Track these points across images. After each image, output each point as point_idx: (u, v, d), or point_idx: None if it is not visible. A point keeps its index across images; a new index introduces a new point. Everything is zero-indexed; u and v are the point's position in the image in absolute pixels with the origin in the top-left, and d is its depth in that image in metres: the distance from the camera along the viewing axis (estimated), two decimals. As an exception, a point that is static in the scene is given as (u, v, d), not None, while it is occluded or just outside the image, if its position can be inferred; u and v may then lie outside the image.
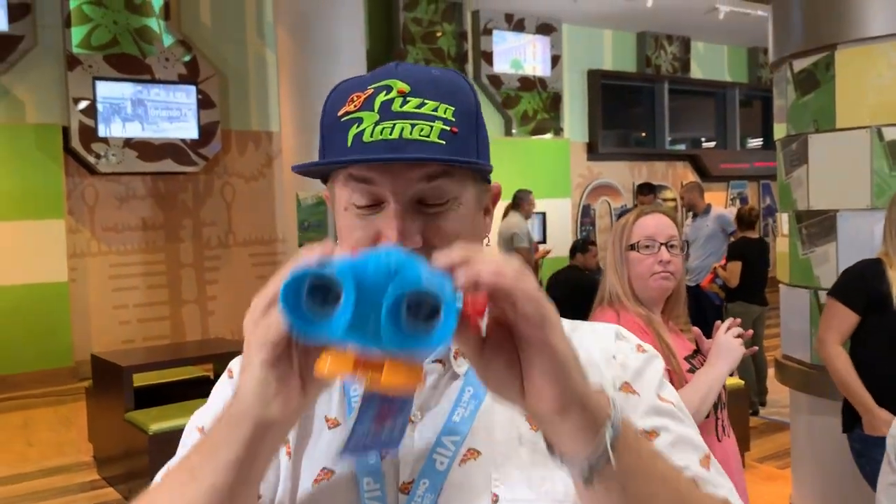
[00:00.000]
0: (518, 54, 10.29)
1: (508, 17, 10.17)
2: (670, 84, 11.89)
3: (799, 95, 3.67)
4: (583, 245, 6.12)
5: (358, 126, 0.74)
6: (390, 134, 0.73)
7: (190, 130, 7.94)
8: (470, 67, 9.89)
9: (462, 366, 0.80)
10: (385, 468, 0.76)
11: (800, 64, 3.65)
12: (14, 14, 7.10)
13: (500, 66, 10.09)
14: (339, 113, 0.76)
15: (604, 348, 0.83)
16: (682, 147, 12.72)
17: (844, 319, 2.75)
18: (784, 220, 3.88)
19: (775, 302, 4.27)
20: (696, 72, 12.29)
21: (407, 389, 0.59)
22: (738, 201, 12.35)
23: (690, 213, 6.91)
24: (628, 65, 11.65)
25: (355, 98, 0.76)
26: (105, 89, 7.48)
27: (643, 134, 12.36)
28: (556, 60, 10.63)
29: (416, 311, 0.57)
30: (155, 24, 7.76)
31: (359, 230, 0.76)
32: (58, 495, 4.54)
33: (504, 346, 0.61)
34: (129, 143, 7.61)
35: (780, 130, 3.88)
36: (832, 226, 3.50)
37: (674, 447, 0.77)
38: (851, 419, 2.77)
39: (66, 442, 5.56)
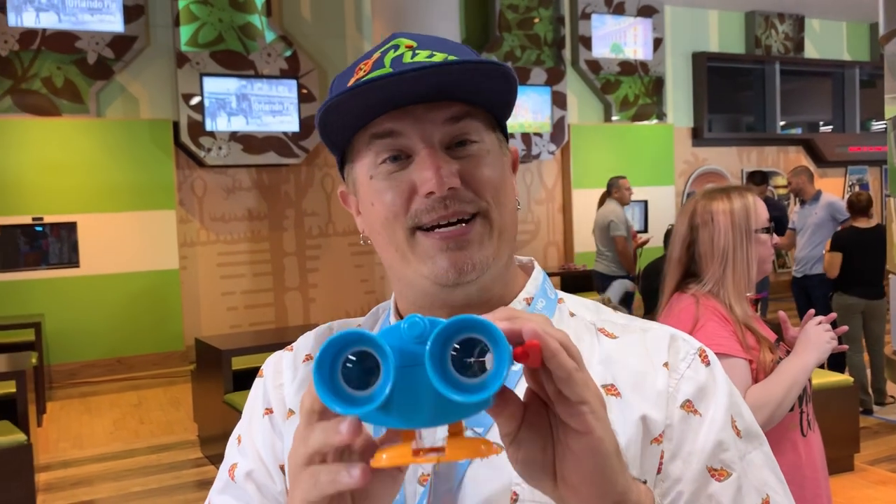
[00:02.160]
0: (618, 38, 10.03)
1: (608, 1, 9.93)
2: (782, 65, 11.30)
3: (912, 71, 3.40)
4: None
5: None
6: (400, 63, 0.72)
7: (291, 124, 8.18)
8: (567, 53, 9.72)
9: None
10: None
11: (913, 37, 3.39)
12: (129, 15, 7.52)
13: (599, 50, 9.87)
14: (350, 84, 0.74)
15: (655, 354, 0.76)
16: (796, 131, 12.07)
17: None
18: (894, 206, 3.62)
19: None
20: (811, 51, 11.63)
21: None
22: (857, 187, 11.63)
23: (798, 200, 6.55)
24: (736, 46, 11.14)
25: (363, 66, 0.74)
26: (211, 85, 7.81)
27: (752, 118, 11.81)
28: (658, 43, 10.29)
29: (462, 361, 0.52)
30: (257, 20, 8.04)
31: (390, 191, 0.73)
32: (165, 471, 4.81)
33: (539, 426, 0.56)
34: (234, 136, 7.93)
35: (891, 110, 3.62)
36: (948, 211, 3.24)
37: (738, 493, 0.71)
38: None
39: (175, 421, 5.87)
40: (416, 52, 0.72)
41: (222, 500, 0.83)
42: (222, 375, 4.59)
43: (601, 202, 6.91)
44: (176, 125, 7.77)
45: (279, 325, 8.41)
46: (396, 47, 0.73)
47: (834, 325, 1.95)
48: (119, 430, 5.74)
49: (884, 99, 12.05)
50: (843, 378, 4.46)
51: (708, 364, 0.76)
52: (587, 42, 9.82)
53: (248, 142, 7.99)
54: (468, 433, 0.54)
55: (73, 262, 7.40)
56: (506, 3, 9.24)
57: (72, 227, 7.37)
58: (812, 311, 1.94)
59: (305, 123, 8.25)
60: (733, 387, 0.76)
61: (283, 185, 8.50)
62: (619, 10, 10.01)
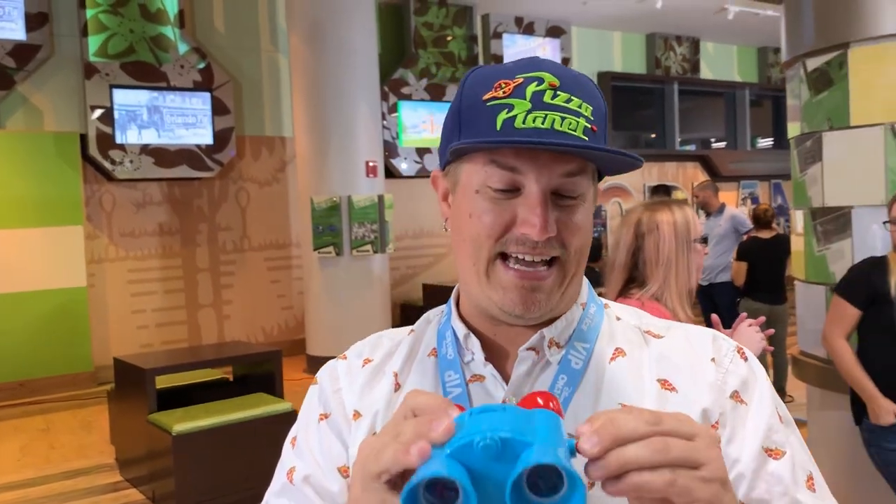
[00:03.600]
0: (528, 57, 10.35)
1: (518, 21, 10.23)
2: (680, 85, 11.91)
3: (813, 94, 3.70)
4: (594, 254, 6.19)
5: (508, 112, 0.76)
6: (542, 123, 0.75)
7: (205, 136, 8.03)
8: (481, 71, 9.94)
9: (555, 354, 0.83)
10: None
11: (813, 63, 3.69)
12: (32, 23, 7.21)
13: (511, 69, 10.16)
14: (485, 97, 0.77)
15: (701, 351, 0.84)
16: (692, 148, 12.73)
17: (847, 315, 2.83)
18: (799, 218, 3.91)
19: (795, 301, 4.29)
20: (706, 72, 12.31)
21: None
22: (749, 201, 12.35)
23: (704, 213, 6.94)
24: (638, 66, 11.68)
25: (503, 84, 0.77)
26: (122, 97, 7.58)
27: (653, 135, 12.38)
28: (566, 63, 10.68)
29: (537, 487, 0.55)
30: (170, 31, 7.86)
31: (491, 214, 0.78)
32: (82, 496, 4.61)
33: None
34: (145, 149, 7.71)
35: (794, 129, 3.91)
36: (847, 222, 3.54)
37: (793, 469, 0.79)
38: (860, 411, 2.84)
39: (88, 445, 5.64)
40: (558, 93, 0.76)
41: (280, 503, 0.87)
42: (145, 395, 4.46)
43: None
44: (83, 138, 7.48)
45: (192, 343, 8.20)
46: (540, 81, 0.77)
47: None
48: (27, 456, 5.46)
49: (769, 119, 12.73)
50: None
51: (746, 360, 0.85)
52: (499, 60, 10.07)
53: (159, 155, 7.78)
54: None
55: (-29, 281, 7.00)
56: (421, 21, 9.38)
57: (-31, 244, 6.98)
58: (715, 315, 2.12)
59: (220, 136, 8.11)
60: (767, 379, 0.85)
61: (196, 200, 8.31)
62: (528, 31, 10.33)
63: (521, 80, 0.77)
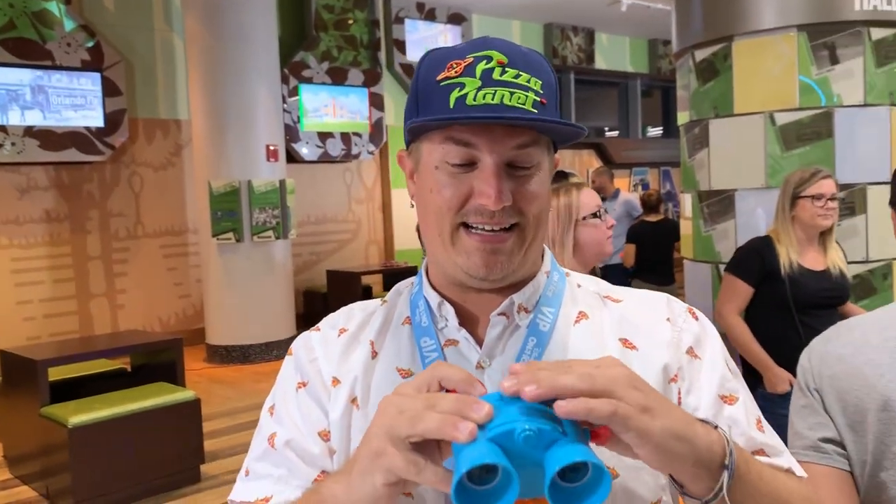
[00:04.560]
0: (430, 44, 10.39)
1: (420, 7, 10.26)
2: (576, 74, 12.25)
3: (700, 83, 3.92)
4: None
5: (460, 90, 0.80)
6: (492, 99, 0.80)
7: (95, 119, 7.67)
8: (383, 56, 9.92)
9: (524, 319, 0.89)
10: None
11: (701, 54, 3.91)
12: None
13: (414, 54, 10.18)
14: (438, 78, 0.82)
15: (657, 312, 0.92)
16: (587, 135, 13.14)
17: (741, 292, 3.02)
18: (687, 201, 4.14)
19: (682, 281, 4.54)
20: (601, 63, 12.71)
21: None
22: (640, 187, 12.88)
23: (600, 197, 7.20)
24: (536, 55, 11.93)
25: (455, 65, 0.82)
26: (2, 75, 7.14)
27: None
28: (466, 50, 10.78)
29: (564, 474, 0.63)
30: (55, 7, 7.45)
31: (450, 188, 0.83)
32: (-32, 496, 4.39)
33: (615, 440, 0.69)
34: (29, 131, 7.29)
35: (683, 116, 4.14)
36: (731, 204, 3.78)
37: (747, 412, 0.88)
38: (753, 381, 3.03)
39: (-27, 442, 5.33)
40: (506, 69, 0.81)
41: (261, 467, 0.91)
42: (37, 388, 4.27)
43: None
44: (-41, 118, 7.01)
45: (84, 333, 7.85)
46: (489, 59, 0.82)
47: None
48: None
49: (659, 108, 13.27)
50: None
51: (697, 319, 0.93)
52: (402, 46, 10.08)
53: (45, 137, 7.39)
54: None
55: None
56: (321, 3, 9.26)
57: None
58: None
59: (111, 118, 7.77)
60: (717, 335, 0.94)
61: (86, 185, 7.94)
62: (430, 17, 10.38)
63: (471, 59, 0.82)
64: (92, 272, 8.00)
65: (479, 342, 0.89)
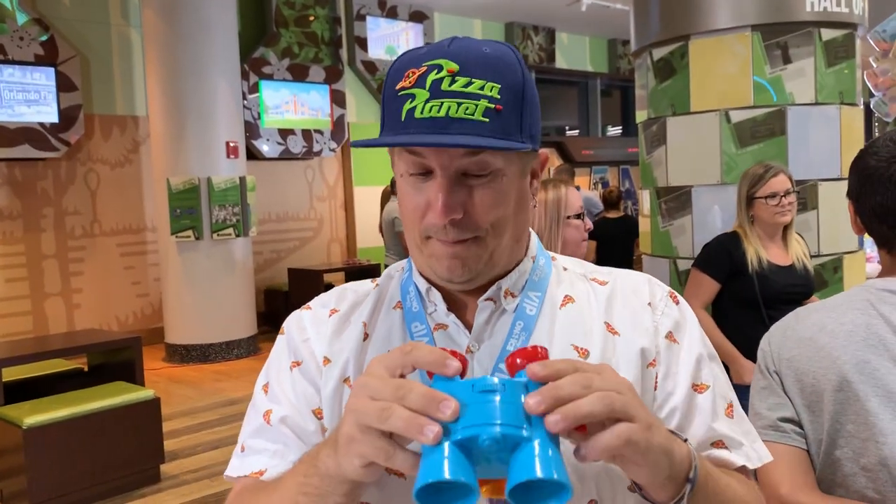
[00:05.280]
0: (392, 41, 10.38)
1: (381, 4, 10.23)
2: (537, 73, 12.34)
3: (658, 82, 3.99)
4: None
5: (411, 102, 0.81)
6: (438, 112, 0.79)
7: (49, 114, 7.51)
8: (344, 53, 9.88)
9: (511, 303, 0.90)
10: None
11: (658, 53, 3.98)
12: None
13: (376, 51, 10.16)
14: (397, 87, 0.83)
15: (640, 295, 0.93)
16: (548, 134, 13.24)
17: (708, 287, 3.06)
18: (646, 198, 4.21)
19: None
20: (561, 62, 12.82)
21: None
22: (600, 185, 13.02)
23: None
24: (497, 54, 11.98)
25: (411, 74, 0.82)
26: (-49, 69, 6.96)
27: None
28: (428, 48, 10.78)
29: (534, 483, 0.64)
30: (6, 0, 7.27)
31: (413, 198, 0.85)
32: (-82, 500, 4.27)
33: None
34: (-20, 127, 7.12)
35: (641, 114, 4.20)
36: (688, 200, 3.86)
37: (714, 401, 0.89)
38: None
39: (-77, 446, 5.19)
40: (456, 78, 0.80)
41: (257, 443, 0.92)
42: (-10, 388, 4.18)
43: (384, 199, 7.16)
44: None
45: (38, 333, 7.69)
46: (440, 68, 0.81)
47: None
48: None
49: (618, 107, 13.39)
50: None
51: (678, 303, 0.95)
52: (363, 43, 10.05)
53: (-3, 133, 7.21)
54: None
55: None
56: (282, 0, 9.19)
57: None
58: None
59: (66, 114, 7.62)
60: (696, 320, 0.96)
61: (41, 182, 7.77)
62: (392, 14, 10.36)
63: (425, 68, 0.82)
64: (47, 271, 7.84)
65: (468, 326, 0.90)
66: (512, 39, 11.95)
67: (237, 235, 7.50)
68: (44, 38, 7.47)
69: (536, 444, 0.64)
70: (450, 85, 0.80)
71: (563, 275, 0.97)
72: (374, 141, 0.82)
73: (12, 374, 4.60)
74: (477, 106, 0.80)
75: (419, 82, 0.81)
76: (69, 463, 4.08)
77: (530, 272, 0.93)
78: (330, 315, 0.97)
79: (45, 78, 7.48)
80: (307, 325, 0.97)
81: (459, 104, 0.80)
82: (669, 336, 0.91)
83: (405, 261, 0.99)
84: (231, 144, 7.42)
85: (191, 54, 7.14)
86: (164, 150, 7.29)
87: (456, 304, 0.92)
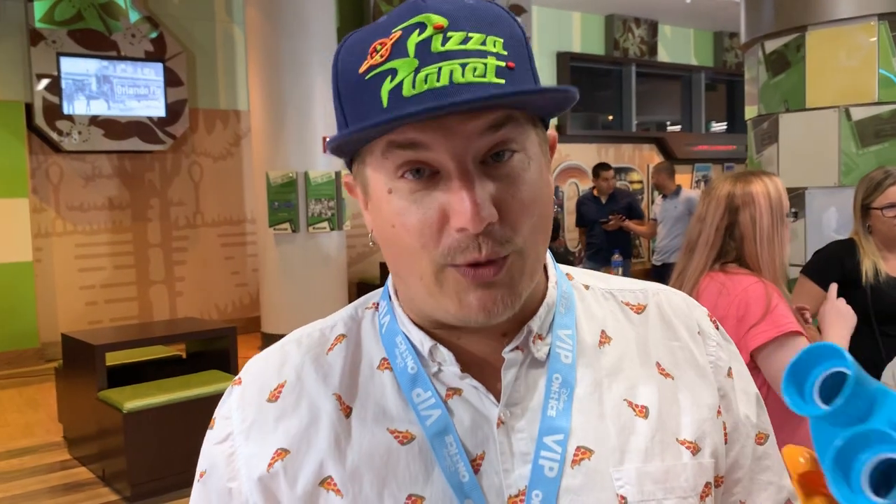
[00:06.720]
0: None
1: None
2: (638, 67, 11.99)
3: (770, 76, 3.75)
4: (553, 234, 6.20)
5: (392, 79, 0.59)
6: (437, 80, 0.58)
7: (157, 108, 7.82)
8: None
9: (541, 349, 0.68)
10: (484, 484, 0.65)
11: (771, 45, 3.73)
12: (-27, -13, 6.92)
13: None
14: (361, 70, 0.61)
15: (685, 320, 0.75)
16: (648, 129, 12.87)
17: (815, 297, 2.83)
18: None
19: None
20: (663, 55, 12.41)
21: None
22: (702, 184, 12.55)
23: (660, 194, 7.01)
24: (596, 47, 11.72)
25: (379, 46, 0.60)
26: (69, 65, 7.33)
27: (610, 117, 12.46)
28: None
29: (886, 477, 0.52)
30: (121, -1, 7.60)
31: (415, 216, 0.61)
32: (29, 475, 4.50)
33: None
34: (94, 120, 7.48)
35: (751, 111, 3.96)
36: (801, 203, 3.60)
37: (775, 447, 0.78)
38: None
39: (35, 423, 5.49)
40: (448, 34, 0.59)
41: None
42: (95, 372, 4.35)
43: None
44: (29, 107, 7.22)
45: (143, 320, 8.03)
46: (423, 27, 0.59)
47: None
48: (-29, 435, 5.30)
49: (723, 103, 12.89)
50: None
51: (718, 329, 0.77)
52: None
53: (109, 127, 7.56)
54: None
55: None
56: (380, -6, 9.25)
57: None
58: (835, 284, 2.15)
59: (172, 108, 7.91)
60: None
61: (148, 173, 8.11)
62: (489, 8, 10.26)
63: (398, 33, 0.60)
64: (152, 259, 8.17)
65: (489, 389, 0.67)
66: (612, 32, 11.65)
67: (331, 229, 7.60)
68: (153, 34, 7.77)
69: None
70: (443, 44, 0.59)
71: (587, 297, 0.74)
72: (356, 128, 0.58)
73: (116, 357, 4.79)
74: (486, 65, 0.59)
75: (396, 51, 0.59)
76: (164, 447, 4.20)
77: (556, 302, 0.71)
78: (271, 399, 0.71)
79: (153, 73, 7.78)
80: (237, 446, 0.72)
81: (464, 65, 0.58)
82: (730, 373, 0.74)
83: (376, 297, 0.76)
84: (328, 139, 7.51)
85: (290, 50, 7.27)
86: (263, 143, 7.46)
87: (467, 361, 0.68)
